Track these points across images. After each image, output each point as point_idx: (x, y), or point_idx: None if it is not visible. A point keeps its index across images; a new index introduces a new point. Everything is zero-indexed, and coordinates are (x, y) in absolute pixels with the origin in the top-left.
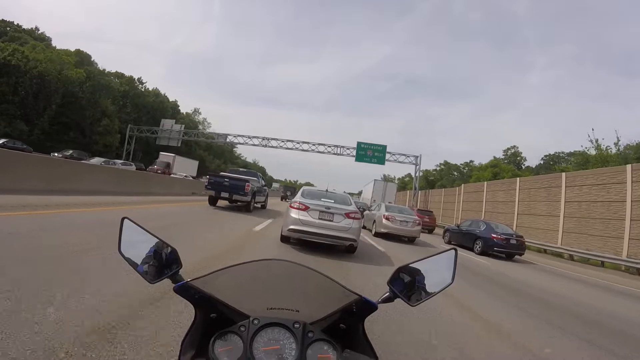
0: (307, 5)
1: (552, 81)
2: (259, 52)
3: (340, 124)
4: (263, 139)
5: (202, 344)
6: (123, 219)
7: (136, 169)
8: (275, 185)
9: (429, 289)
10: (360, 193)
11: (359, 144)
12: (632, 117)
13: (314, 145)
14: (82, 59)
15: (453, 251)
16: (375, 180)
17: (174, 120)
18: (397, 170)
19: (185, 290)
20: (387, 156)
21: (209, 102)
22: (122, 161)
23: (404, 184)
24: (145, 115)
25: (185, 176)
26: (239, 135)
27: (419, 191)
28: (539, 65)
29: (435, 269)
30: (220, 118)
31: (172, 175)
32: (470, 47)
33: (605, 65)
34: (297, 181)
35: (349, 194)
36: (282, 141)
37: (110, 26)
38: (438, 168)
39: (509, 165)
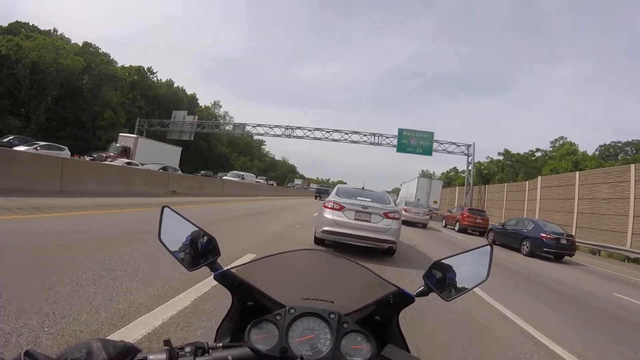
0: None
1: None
2: (283, 52)
3: (370, 122)
4: (287, 128)
5: (238, 331)
6: (163, 207)
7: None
8: (297, 182)
9: (463, 284)
10: (394, 191)
11: (400, 131)
12: None
13: (346, 134)
14: (86, 50)
15: (489, 247)
16: (419, 177)
17: (186, 112)
18: (438, 165)
19: (225, 278)
20: (435, 145)
21: (232, 103)
22: (45, 143)
23: (448, 180)
24: (158, 109)
25: (169, 169)
26: (259, 125)
27: (473, 187)
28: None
29: (471, 265)
30: (245, 118)
31: (129, 165)
32: (499, 40)
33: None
34: (329, 179)
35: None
36: (309, 130)
37: (135, 31)
38: (488, 160)
39: (596, 153)
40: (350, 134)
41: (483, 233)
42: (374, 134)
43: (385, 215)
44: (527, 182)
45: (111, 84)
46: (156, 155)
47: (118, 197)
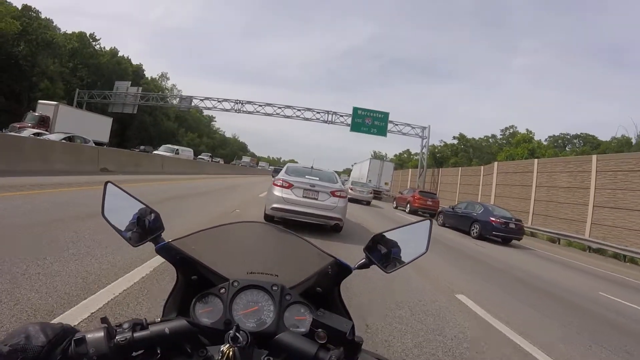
0: None
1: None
2: (240, 25)
3: (325, 102)
4: (236, 102)
5: (184, 305)
6: (106, 183)
7: None
8: (245, 159)
9: (403, 257)
10: (345, 171)
11: (355, 109)
12: None
13: (299, 110)
14: (25, 14)
15: (428, 222)
16: (371, 159)
17: (130, 83)
18: (391, 146)
19: (167, 251)
20: (389, 127)
21: (184, 78)
22: None
23: (401, 162)
24: (101, 80)
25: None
26: (206, 99)
27: (426, 170)
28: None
29: (411, 238)
30: (196, 93)
31: (44, 137)
32: (458, 26)
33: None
34: (280, 158)
35: (337, 171)
36: (260, 105)
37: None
38: (442, 144)
39: (549, 143)
40: (302, 111)
41: (433, 215)
42: (328, 112)
43: (332, 194)
44: (482, 167)
45: (49, 51)
46: (81, 126)
47: (31, 177)
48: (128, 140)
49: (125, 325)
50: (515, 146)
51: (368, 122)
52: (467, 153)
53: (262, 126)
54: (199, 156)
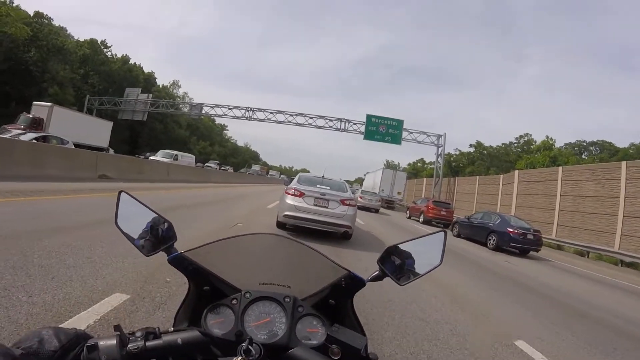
0: None
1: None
2: (254, 34)
3: (338, 111)
4: (247, 109)
5: (196, 315)
6: (120, 192)
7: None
8: (255, 167)
9: (417, 269)
10: (357, 180)
11: (368, 117)
12: None
13: (311, 118)
14: (38, 21)
15: (442, 233)
16: (383, 168)
17: (140, 90)
18: (404, 155)
19: (179, 262)
20: (404, 135)
21: (198, 87)
22: None
23: (415, 171)
24: (112, 86)
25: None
26: (217, 106)
27: (442, 179)
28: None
29: (425, 250)
30: (208, 100)
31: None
32: (471, 35)
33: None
34: (292, 167)
35: (348, 180)
36: (271, 112)
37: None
38: (457, 152)
39: (568, 150)
40: (315, 119)
41: (447, 225)
42: (341, 120)
43: (342, 202)
44: (502, 175)
45: (59, 57)
46: (77, 129)
47: (21, 182)
48: (139, 148)
49: (138, 334)
50: (535, 153)
51: (382, 130)
52: (484, 161)
53: (274, 135)
54: (206, 164)
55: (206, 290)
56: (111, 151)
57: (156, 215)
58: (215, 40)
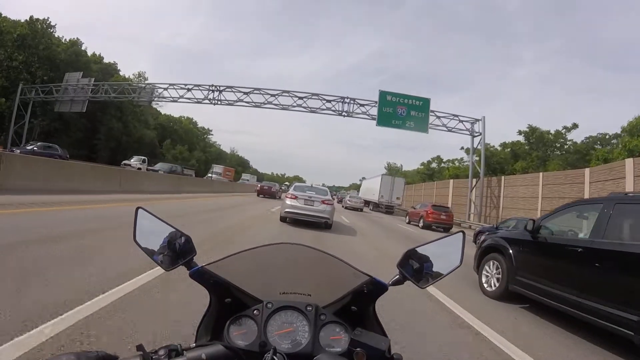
0: None
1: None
2: (244, 48)
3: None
4: (211, 88)
5: (218, 328)
6: (137, 208)
7: None
8: (245, 177)
9: (437, 271)
10: (352, 186)
11: (382, 94)
12: None
13: (300, 98)
14: None
15: (461, 234)
16: (382, 175)
17: (81, 74)
18: (407, 158)
19: (200, 276)
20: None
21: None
22: None
23: (430, 172)
24: (59, 76)
25: None
26: (171, 86)
27: (479, 179)
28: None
29: (443, 252)
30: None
31: None
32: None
33: None
34: (284, 174)
35: (341, 187)
36: (244, 92)
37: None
38: (492, 147)
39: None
40: (305, 99)
41: (448, 229)
42: (344, 99)
43: (323, 202)
44: (587, 169)
45: None
46: None
47: None
48: (96, 152)
49: (161, 352)
50: (606, 144)
51: (401, 112)
52: (544, 153)
53: (266, 140)
54: (124, 161)
55: (227, 302)
56: None
57: (173, 230)
58: (200, 50)
